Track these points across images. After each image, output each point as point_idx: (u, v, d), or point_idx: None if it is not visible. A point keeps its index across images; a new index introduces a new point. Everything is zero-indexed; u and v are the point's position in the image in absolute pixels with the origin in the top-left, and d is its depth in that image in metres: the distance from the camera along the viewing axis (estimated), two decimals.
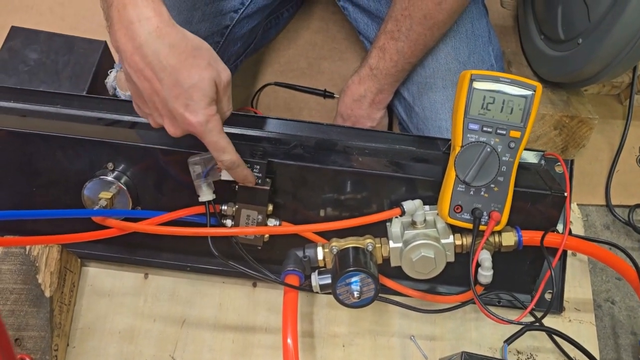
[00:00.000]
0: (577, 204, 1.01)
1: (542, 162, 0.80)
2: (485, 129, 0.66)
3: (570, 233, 0.77)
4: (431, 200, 0.73)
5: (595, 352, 0.81)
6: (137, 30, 0.55)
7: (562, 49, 1.00)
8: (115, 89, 0.91)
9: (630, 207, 1.06)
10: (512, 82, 0.66)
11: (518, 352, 0.81)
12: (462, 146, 0.67)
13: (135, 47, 0.56)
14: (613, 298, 1.00)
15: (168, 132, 0.61)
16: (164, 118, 0.60)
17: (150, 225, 0.70)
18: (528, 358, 0.81)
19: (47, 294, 0.75)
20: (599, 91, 1.16)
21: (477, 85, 0.66)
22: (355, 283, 0.66)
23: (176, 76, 0.56)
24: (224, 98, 0.62)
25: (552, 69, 1.05)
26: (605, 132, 1.14)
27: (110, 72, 0.92)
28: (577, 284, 0.86)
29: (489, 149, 0.66)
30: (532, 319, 0.76)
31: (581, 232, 0.93)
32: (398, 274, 0.72)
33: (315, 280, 0.68)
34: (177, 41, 0.56)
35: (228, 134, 0.73)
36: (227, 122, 0.76)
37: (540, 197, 0.74)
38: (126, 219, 0.73)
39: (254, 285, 0.84)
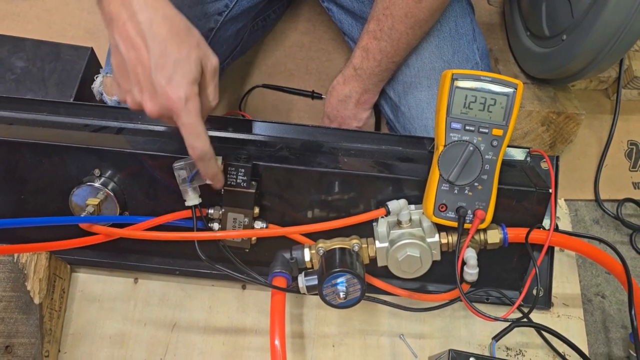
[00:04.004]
0: (566, 200, 1.01)
1: (528, 159, 0.80)
2: (467, 127, 0.67)
3: (556, 229, 0.77)
4: (418, 199, 0.73)
5: (584, 347, 0.81)
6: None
7: (547, 45, 1.01)
8: (101, 94, 0.91)
9: (619, 202, 1.06)
10: (493, 81, 0.66)
11: (507, 349, 0.82)
12: (445, 145, 0.67)
13: (129, 15, 0.56)
14: (603, 292, 1.01)
15: (146, 110, 0.59)
16: (144, 93, 0.58)
17: (136, 231, 0.71)
18: (517, 354, 0.81)
19: (37, 300, 0.75)
20: (586, 86, 1.17)
21: (459, 84, 0.66)
22: (341, 284, 0.66)
23: (165, 46, 0.56)
24: (211, 85, 0.61)
25: (539, 66, 1.05)
26: (593, 127, 1.15)
27: (96, 77, 0.92)
28: (565, 280, 0.87)
29: (471, 148, 0.66)
30: (520, 315, 0.76)
31: (569, 228, 0.93)
32: (387, 273, 0.72)
33: (302, 281, 0.69)
34: (172, 15, 0.57)
35: (213, 137, 0.74)
36: (212, 126, 0.77)
37: (525, 194, 0.74)
38: (114, 225, 0.73)
39: (244, 287, 0.84)
